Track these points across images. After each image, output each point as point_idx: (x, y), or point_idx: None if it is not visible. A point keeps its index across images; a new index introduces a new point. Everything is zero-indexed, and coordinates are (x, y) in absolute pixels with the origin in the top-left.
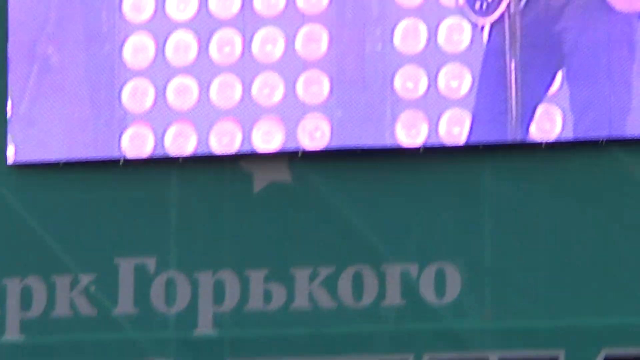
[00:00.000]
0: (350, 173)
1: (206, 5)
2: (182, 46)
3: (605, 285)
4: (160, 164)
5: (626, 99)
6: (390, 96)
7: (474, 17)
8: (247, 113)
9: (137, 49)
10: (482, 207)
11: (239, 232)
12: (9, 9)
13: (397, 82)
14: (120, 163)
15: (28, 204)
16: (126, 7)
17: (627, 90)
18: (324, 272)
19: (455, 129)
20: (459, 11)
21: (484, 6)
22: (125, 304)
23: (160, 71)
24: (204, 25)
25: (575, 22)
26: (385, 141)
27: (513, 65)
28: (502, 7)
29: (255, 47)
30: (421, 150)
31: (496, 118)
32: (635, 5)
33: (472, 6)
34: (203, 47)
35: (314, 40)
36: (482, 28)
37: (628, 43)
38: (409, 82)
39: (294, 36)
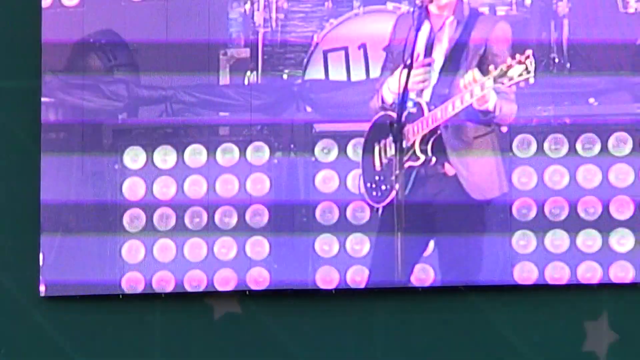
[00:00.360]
0: (289, 309)
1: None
2: (164, 218)
3: None
4: (147, 298)
5: (479, 252)
6: (311, 254)
7: (371, 202)
8: (210, 266)
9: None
10: (375, 339)
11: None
12: (42, 182)
13: (317, 245)
14: (120, 297)
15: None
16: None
17: (480, 247)
18: None
19: (357, 278)
20: (361, 197)
21: (378, 194)
22: None
23: (148, 235)
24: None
25: (441, 210)
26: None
27: (399, 235)
28: (392, 196)
29: (217, 219)
30: (334, 292)
31: (386, 272)
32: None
33: (369, 195)
34: (180, 218)
35: (259, 215)
36: (377, 210)
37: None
38: (325, 245)
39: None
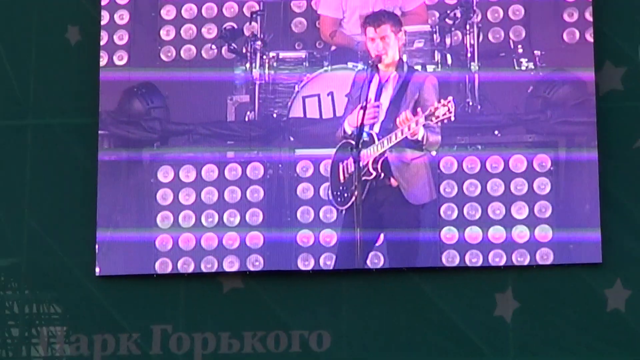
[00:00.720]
0: (278, 285)
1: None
2: (187, 218)
3: None
4: (174, 277)
5: (416, 242)
6: (294, 244)
7: (336, 206)
8: (220, 253)
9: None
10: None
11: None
12: (98, 192)
13: (298, 238)
14: (154, 276)
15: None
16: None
17: (417, 238)
18: None
19: (328, 262)
20: (329, 202)
21: (342, 200)
22: None
23: (175, 230)
24: None
25: (387, 212)
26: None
27: (358, 230)
28: (352, 201)
29: (225, 218)
30: (310, 272)
31: (349, 258)
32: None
33: (335, 200)
34: (198, 218)
35: (256, 215)
36: (342, 211)
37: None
38: (304, 238)
39: (245, 214)
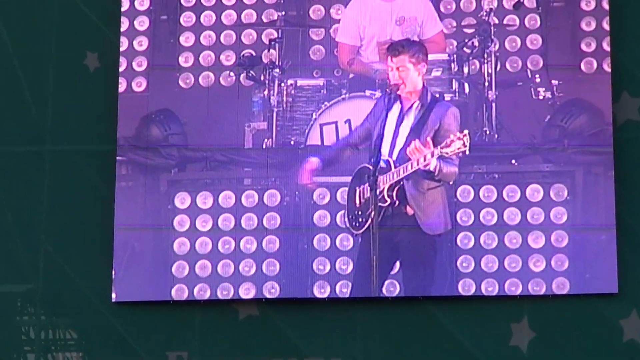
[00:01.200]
0: (294, 312)
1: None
2: (203, 245)
3: None
4: (190, 303)
5: (432, 271)
6: (310, 272)
7: (352, 230)
8: (236, 279)
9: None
10: (356, 334)
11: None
12: (115, 218)
13: (314, 265)
14: (170, 302)
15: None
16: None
17: (433, 267)
18: None
19: (344, 289)
20: (345, 228)
21: (357, 224)
22: None
23: (191, 257)
24: None
25: (404, 240)
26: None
27: (374, 258)
28: (367, 225)
29: (241, 245)
30: (326, 299)
31: (365, 286)
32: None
33: (351, 224)
34: (214, 244)
35: (272, 243)
36: (357, 239)
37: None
38: (320, 265)
39: (262, 241)
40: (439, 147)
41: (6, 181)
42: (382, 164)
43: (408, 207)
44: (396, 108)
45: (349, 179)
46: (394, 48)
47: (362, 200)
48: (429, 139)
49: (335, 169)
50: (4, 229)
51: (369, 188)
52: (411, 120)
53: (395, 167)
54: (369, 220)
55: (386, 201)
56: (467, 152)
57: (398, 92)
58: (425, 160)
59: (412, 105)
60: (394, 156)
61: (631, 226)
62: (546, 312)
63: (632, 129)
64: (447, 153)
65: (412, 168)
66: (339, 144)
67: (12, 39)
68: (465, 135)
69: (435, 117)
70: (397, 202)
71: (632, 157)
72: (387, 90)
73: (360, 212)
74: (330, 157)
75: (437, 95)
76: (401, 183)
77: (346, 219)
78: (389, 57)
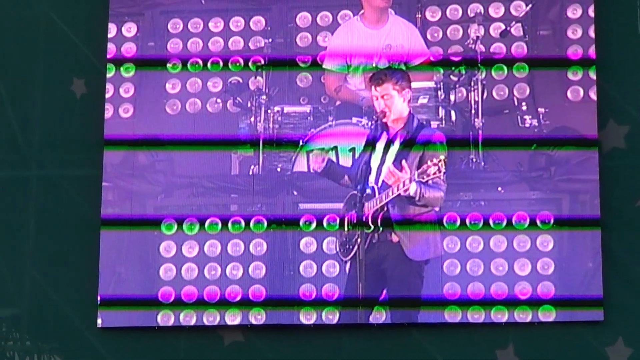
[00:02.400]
0: (280, 339)
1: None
2: (189, 271)
3: None
4: (176, 329)
5: (419, 298)
6: (296, 298)
7: (340, 256)
8: (222, 305)
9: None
10: None
11: None
12: (101, 244)
13: (300, 291)
14: (156, 328)
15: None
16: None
17: (419, 294)
18: None
19: (330, 316)
20: (332, 256)
21: (345, 251)
22: None
23: (178, 282)
24: None
25: (389, 267)
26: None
27: (361, 285)
28: (354, 251)
29: (227, 271)
30: (312, 326)
31: (351, 313)
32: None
33: (339, 251)
34: (201, 271)
35: (259, 269)
36: (345, 262)
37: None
38: (306, 291)
39: (248, 267)
40: (416, 172)
41: None
42: (368, 191)
43: (393, 235)
44: (384, 136)
45: (335, 205)
46: (377, 77)
47: (350, 227)
48: (404, 163)
49: (321, 196)
50: None
51: (355, 215)
52: (397, 147)
53: (378, 194)
54: (356, 247)
55: (370, 227)
56: (442, 177)
57: (384, 120)
58: (404, 185)
59: (397, 132)
60: (379, 183)
61: (616, 254)
62: (532, 339)
63: (618, 157)
64: (423, 178)
65: (392, 194)
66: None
67: None
68: (440, 160)
69: (420, 143)
70: (382, 229)
71: (618, 185)
72: (374, 118)
73: (347, 239)
74: (316, 185)
75: (424, 122)
76: (385, 209)
77: (336, 246)
78: (373, 87)
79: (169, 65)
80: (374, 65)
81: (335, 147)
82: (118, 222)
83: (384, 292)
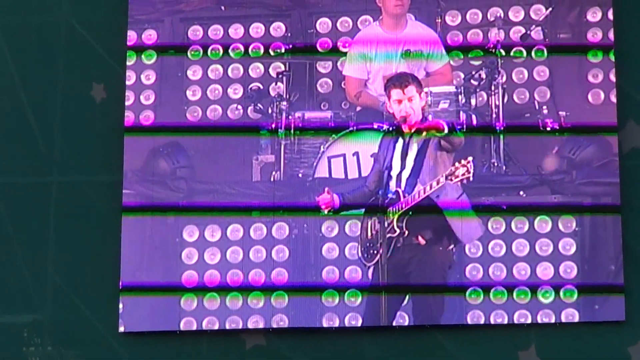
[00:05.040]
0: (302, 342)
1: (225, 255)
2: (212, 277)
3: None
4: (198, 333)
5: (442, 302)
6: (319, 304)
7: (364, 262)
8: (245, 312)
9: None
10: None
11: None
12: (122, 251)
13: (323, 298)
14: (178, 332)
15: None
16: None
17: (442, 299)
18: None
19: (352, 322)
20: (356, 260)
21: (368, 256)
22: None
23: (200, 291)
24: None
25: (414, 272)
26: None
27: (384, 290)
28: (378, 257)
29: (250, 278)
30: (334, 329)
31: (374, 318)
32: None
33: (363, 256)
34: (223, 277)
35: (281, 275)
36: (369, 268)
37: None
38: (329, 297)
39: (270, 273)
40: (444, 174)
41: (13, 212)
42: (390, 195)
43: (420, 237)
44: (401, 141)
45: (356, 211)
46: (404, 79)
47: (373, 232)
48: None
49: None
50: (11, 259)
51: (378, 220)
52: (414, 151)
53: (403, 197)
54: (379, 252)
55: (395, 232)
56: (471, 179)
57: (406, 123)
58: (431, 188)
59: (412, 135)
60: (402, 186)
61: (638, 254)
62: (554, 340)
63: (637, 157)
64: (451, 180)
65: (419, 197)
66: (347, 177)
67: (18, 69)
68: (469, 162)
69: (434, 146)
70: (407, 233)
71: (637, 185)
72: (397, 122)
73: (371, 245)
74: (338, 191)
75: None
76: (410, 213)
77: (359, 252)
78: (399, 90)
79: (189, 72)
80: (393, 70)
81: (357, 152)
82: (139, 227)
83: (407, 296)
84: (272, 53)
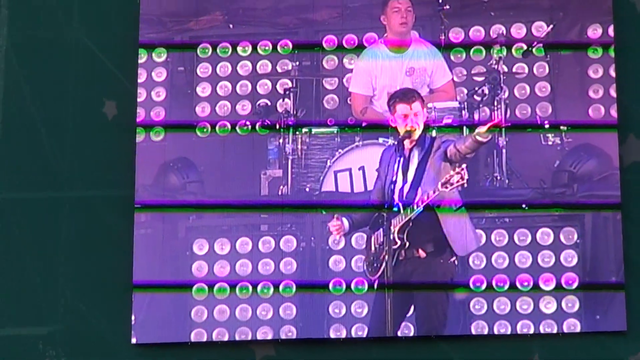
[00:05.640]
0: (315, 354)
1: (234, 268)
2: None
3: None
4: (208, 344)
5: (445, 313)
6: (326, 315)
7: (368, 276)
8: (254, 323)
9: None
10: None
11: None
12: (134, 265)
13: (330, 309)
14: (189, 344)
15: None
16: None
17: (446, 309)
18: None
19: (359, 332)
20: (362, 273)
21: (372, 270)
22: None
23: (210, 302)
24: None
25: (417, 281)
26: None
27: (389, 302)
28: (382, 270)
29: (258, 290)
30: (342, 340)
31: (380, 327)
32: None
33: (367, 270)
34: (232, 289)
35: (289, 287)
36: (372, 282)
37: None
38: (336, 309)
39: (278, 285)
40: (439, 183)
41: (26, 227)
42: (395, 209)
43: (420, 250)
44: (401, 154)
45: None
46: (410, 95)
47: (376, 246)
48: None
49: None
50: (24, 272)
51: (382, 233)
52: (415, 164)
53: (404, 209)
54: (383, 265)
55: (396, 243)
56: (465, 185)
57: (410, 138)
58: (428, 198)
59: (412, 149)
60: (404, 198)
61: (638, 266)
62: (556, 350)
63: (638, 171)
64: (446, 187)
65: (417, 207)
66: (353, 191)
67: (30, 86)
68: (462, 169)
69: (437, 158)
70: (408, 244)
71: (638, 198)
72: (400, 136)
73: (375, 258)
74: (344, 204)
75: (434, 135)
76: (410, 224)
77: (364, 266)
78: (406, 105)
79: (198, 88)
80: (397, 88)
81: (362, 167)
82: (151, 240)
83: (412, 307)
84: (279, 70)
